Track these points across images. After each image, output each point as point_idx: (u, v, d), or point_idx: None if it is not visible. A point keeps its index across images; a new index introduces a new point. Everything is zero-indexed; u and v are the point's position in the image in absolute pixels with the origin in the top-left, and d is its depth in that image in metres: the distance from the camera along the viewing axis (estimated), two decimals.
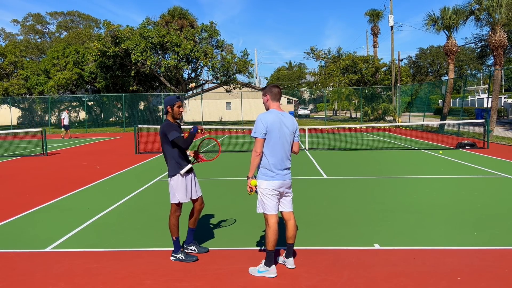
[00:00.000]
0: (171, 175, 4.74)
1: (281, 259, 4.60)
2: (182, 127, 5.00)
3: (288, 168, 4.36)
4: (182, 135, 4.77)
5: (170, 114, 4.75)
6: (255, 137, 4.24)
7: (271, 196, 4.25)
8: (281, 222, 4.57)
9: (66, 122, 25.55)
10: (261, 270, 4.29)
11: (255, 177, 4.32)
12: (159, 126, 20.00)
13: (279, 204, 4.37)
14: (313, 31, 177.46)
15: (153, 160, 13.67)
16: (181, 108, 4.76)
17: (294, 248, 4.56)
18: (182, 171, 4.69)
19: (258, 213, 4.41)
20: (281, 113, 4.31)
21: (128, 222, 6.41)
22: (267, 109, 4.41)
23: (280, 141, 4.25)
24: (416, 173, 10.29)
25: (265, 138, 4.22)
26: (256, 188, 4.30)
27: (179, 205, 4.78)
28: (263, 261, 4.33)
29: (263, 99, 4.44)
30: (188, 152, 4.87)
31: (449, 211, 6.66)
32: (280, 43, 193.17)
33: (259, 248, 5.11)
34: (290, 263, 4.47)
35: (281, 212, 4.45)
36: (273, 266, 4.30)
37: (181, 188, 4.71)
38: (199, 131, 4.82)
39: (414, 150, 15.22)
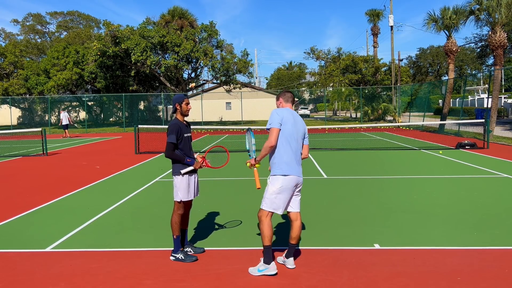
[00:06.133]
0: (174, 173, 4.79)
1: (281, 259, 4.60)
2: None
3: (300, 166, 4.43)
4: (189, 134, 4.89)
5: (179, 111, 4.86)
6: (270, 128, 4.29)
7: (286, 193, 4.28)
8: (287, 222, 4.56)
9: (64, 122, 26.49)
10: (261, 269, 4.29)
11: (260, 163, 4.49)
12: (159, 126, 19.87)
13: (288, 204, 4.40)
14: (314, 31, 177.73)
15: (153, 160, 13.67)
16: (189, 105, 4.89)
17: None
18: (183, 171, 4.73)
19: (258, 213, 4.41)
20: (295, 113, 4.47)
21: (128, 222, 6.41)
22: None
23: (294, 136, 4.34)
24: (416, 173, 10.29)
25: (280, 129, 4.28)
26: (253, 165, 4.47)
27: (181, 203, 4.81)
28: (262, 259, 4.33)
29: (276, 103, 4.63)
30: (196, 155, 4.89)
31: (449, 211, 6.66)
32: (281, 43, 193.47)
33: (259, 248, 5.10)
34: (290, 263, 4.46)
35: (288, 212, 4.46)
36: (273, 262, 4.30)
37: (183, 187, 4.76)
38: (194, 166, 4.79)
39: (414, 150, 15.22)
